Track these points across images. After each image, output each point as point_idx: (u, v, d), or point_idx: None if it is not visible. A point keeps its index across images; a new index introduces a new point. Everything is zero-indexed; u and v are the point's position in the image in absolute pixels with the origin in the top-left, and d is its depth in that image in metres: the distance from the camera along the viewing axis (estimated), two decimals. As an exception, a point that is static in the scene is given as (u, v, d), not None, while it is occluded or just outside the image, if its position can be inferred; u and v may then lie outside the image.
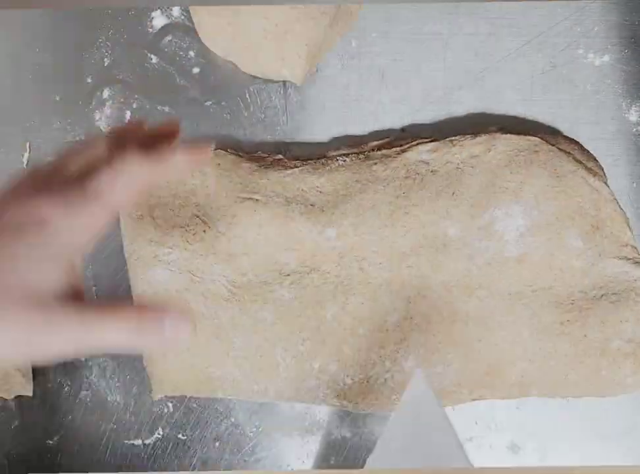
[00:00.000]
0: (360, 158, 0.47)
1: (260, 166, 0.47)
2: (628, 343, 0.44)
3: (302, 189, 0.46)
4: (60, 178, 0.32)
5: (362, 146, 0.48)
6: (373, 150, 0.47)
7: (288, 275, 0.45)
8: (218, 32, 0.47)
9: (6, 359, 0.34)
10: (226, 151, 0.47)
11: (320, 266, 0.45)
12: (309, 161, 0.47)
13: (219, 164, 0.46)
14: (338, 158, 0.47)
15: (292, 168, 0.47)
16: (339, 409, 0.48)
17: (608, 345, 0.44)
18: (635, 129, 0.50)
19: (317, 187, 0.46)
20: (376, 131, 0.50)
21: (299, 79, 0.48)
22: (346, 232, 0.45)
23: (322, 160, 0.47)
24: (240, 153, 0.48)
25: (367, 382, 0.45)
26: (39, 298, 0.30)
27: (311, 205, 0.45)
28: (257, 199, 0.45)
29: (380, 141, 0.48)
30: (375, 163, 0.46)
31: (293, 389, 0.46)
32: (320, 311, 0.45)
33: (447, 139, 0.46)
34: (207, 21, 0.47)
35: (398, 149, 0.47)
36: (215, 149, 0.46)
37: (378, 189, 0.45)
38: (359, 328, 0.45)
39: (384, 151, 0.47)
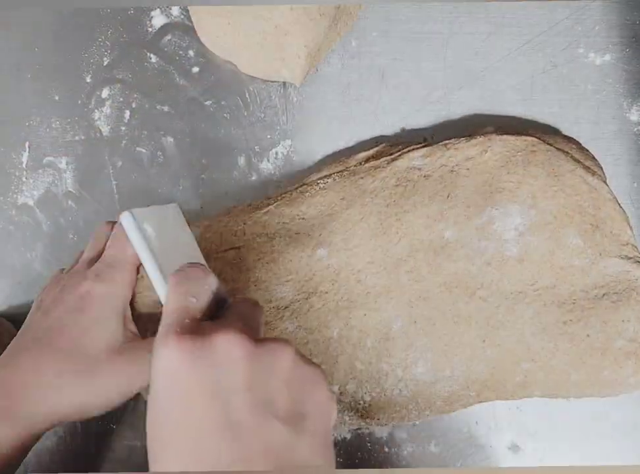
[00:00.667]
0: (344, 176, 0.46)
1: (232, 217, 0.46)
2: (630, 342, 0.44)
3: (283, 222, 0.45)
4: (87, 262, 0.43)
5: (347, 161, 0.48)
6: (359, 164, 0.47)
7: (287, 307, 0.44)
8: (218, 33, 0.47)
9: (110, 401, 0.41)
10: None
11: (317, 289, 0.44)
12: (284, 195, 0.47)
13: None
14: (318, 182, 0.46)
15: (266, 206, 0.46)
16: (364, 428, 0.47)
17: (610, 345, 0.43)
18: (636, 128, 0.50)
19: (298, 215, 0.45)
20: (366, 141, 0.50)
21: (299, 80, 0.48)
22: (337, 249, 0.44)
23: (300, 188, 0.47)
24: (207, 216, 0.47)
25: (384, 395, 0.44)
26: (91, 355, 0.39)
27: (296, 233, 0.45)
28: (238, 247, 0.45)
29: (367, 153, 0.48)
30: (362, 177, 0.46)
31: None
32: (326, 332, 0.44)
33: (441, 143, 0.46)
34: (206, 22, 0.47)
35: (388, 158, 0.46)
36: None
37: (366, 201, 0.45)
38: (367, 341, 0.44)
39: (371, 163, 0.46)
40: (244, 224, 0.45)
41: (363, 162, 0.47)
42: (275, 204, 0.46)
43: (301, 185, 0.47)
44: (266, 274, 0.44)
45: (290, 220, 0.45)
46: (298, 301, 0.44)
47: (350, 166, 0.47)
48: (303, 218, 0.45)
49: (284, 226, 0.45)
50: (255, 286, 0.44)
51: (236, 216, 0.46)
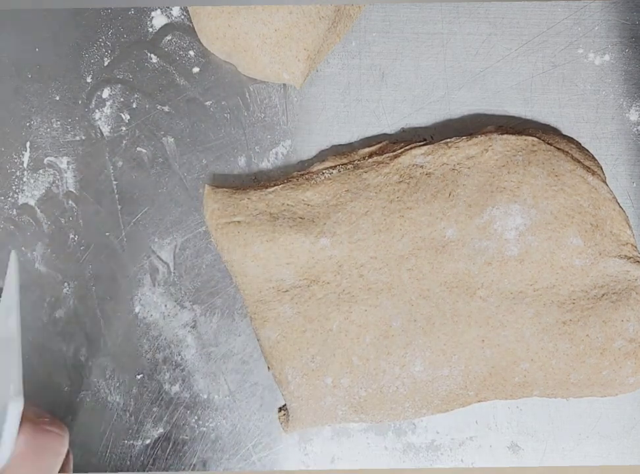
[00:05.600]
0: (348, 169, 0.47)
1: (237, 189, 0.47)
2: (629, 343, 0.44)
3: (287, 204, 0.45)
4: None
5: (351, 155, 0.48)
6: (362, 158, 0.47)
7: (287, 291, 0.44)
8: (218, 35, 0.47)
9: None
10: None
11: (319, 278, 0.45)
12: (291, 179, 0.47)
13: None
14: (323, 172, 0.47)
15: (272, 186, 0.47)
16: (358, 423, 0.47)
17: (609, 345, 0.44)
18: (635, 128, 0.50)
19: (304, 200, 0.46)
20: (367, 138, 0.50)
21: (299, 83, 0.48)
22: (341, 240, 0.45)
23: (306, 175, 0.47)
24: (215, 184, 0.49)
25: (381, 391, 0.44)
26: None
27: (300, 217, 0.45)
28: (238, 221, 0.45)
29: (370, 148, 0.48)
30: (366, 171, 0.46)
31: (312, 411, 0.45)
32: (325, 324, 0.44)
33: (442, 141, 0.46)
34: (206, 24, 0.47)
35: (391, 154, 0.47)
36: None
37: (370, 195, 0.45)
38: (366, 337, 0.44)
39: (375, 158, 0.47)
40: (248, 198, 0.46)
41: (366, 157, 0.47)
42: (281, 185, 0.46)
43: (306, 173, 0.47)
44: (264, 252, 0.44)
45: (295, 204, 0.45)
46: (299, 287, 0.44)
47: (354, 160, 0.47)
48: (308, 204, 0.45)
49: (288, 207, 0.45)
50: (253, 261, 0.44)
51: (242, 190, 0.47)
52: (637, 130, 0.50)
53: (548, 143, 0.46)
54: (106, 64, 0.50)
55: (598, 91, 0.50)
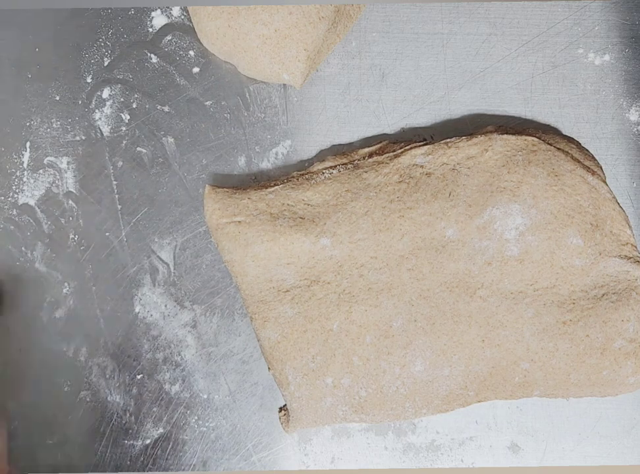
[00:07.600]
0: (349, 168, 0.47)
1: (238, 189, 0.47)
2: (630, 343, 0.44)
3: (288, 204, 0.46)
4: None
5: (351, 155, 0.48)
6: (362, 158, 0.47)
7: (288, 291, 0.45)
8: (218, 36, 0.47)
9: None
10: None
11: (320, 278, 0.45)
12: (291, 179, 0.47)
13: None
14: (323, 171, 0.47)
15: (272, 186, 0.47)
16: (359, 423, 0.47)
17: (609, 345, 0.44)
18: (635, 128, 0.50)
19: (304, 200, 0.46)
20: (367, 138, 0.50)
21: (299, 83, 0.48)
22: (341, 240, 0.45)
23: (306, 175, 0.47)
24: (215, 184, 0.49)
25: (381, 391, 0.44)
26: None
27: (300, 217, 0.45)
28: (239, 221, 0.45)
29: (370, 148, 0.48)
30: (366, 171, 0.46)
31: (312, 411, 0.45)
32: (326, 324, 0.44)
33: (442, 141, 0.46)
34: (206, 24, 0.47)
35: (391, 154, 0.47)
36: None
37: (370, 195, 0.45)
38: (366, 337, 0.44)
39: (375, 158, 0.47)
40: (249, 198, 0.46)
41: (366, 157, 0.47)
42: (281, 185, 0.46)
43: (306, 173, 0.47)
44: (265, 252, 0.44)
45: (295, 204, 0.45)
46: (300, 287, 0.44)
47: (354, 160, 0.47)
48: (308, 204, 0.45)
49: (288, 207, 0.45)
50: (253, 261, 0.44)
51: (242, 190, 0.47)
52: (637, 130, 0.50)
53: (548, 143, 0.46)
54: (106, 64, 0.50)
55: (598, 91, 0.50)
